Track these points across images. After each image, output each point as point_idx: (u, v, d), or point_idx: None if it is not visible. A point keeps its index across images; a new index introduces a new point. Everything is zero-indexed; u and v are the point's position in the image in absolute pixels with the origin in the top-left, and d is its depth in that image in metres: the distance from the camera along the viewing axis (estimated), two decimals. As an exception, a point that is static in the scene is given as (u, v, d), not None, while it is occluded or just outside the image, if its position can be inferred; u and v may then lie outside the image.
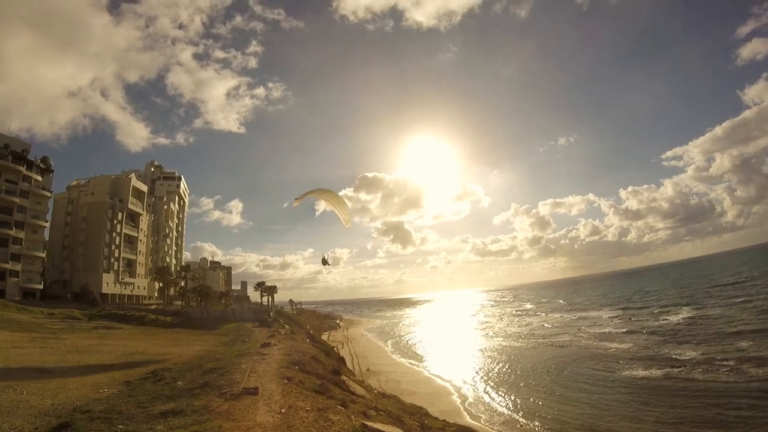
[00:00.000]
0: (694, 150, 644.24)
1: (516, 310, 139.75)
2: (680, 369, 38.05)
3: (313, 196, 25.70)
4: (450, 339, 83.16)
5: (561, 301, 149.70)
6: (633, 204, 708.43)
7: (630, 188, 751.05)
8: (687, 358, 41.85)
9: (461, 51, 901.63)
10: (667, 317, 70.12)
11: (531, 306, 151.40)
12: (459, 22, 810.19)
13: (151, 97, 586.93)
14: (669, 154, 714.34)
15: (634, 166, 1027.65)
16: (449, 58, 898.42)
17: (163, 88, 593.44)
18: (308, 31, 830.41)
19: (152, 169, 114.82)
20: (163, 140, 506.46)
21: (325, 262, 30.28)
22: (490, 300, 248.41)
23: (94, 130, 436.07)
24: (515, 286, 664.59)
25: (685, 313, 70.48)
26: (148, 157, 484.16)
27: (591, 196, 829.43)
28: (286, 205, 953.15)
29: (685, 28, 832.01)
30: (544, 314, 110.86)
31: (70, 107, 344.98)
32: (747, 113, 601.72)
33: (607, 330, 67.65)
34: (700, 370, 36.76)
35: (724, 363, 37.33)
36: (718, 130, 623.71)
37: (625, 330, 64.88)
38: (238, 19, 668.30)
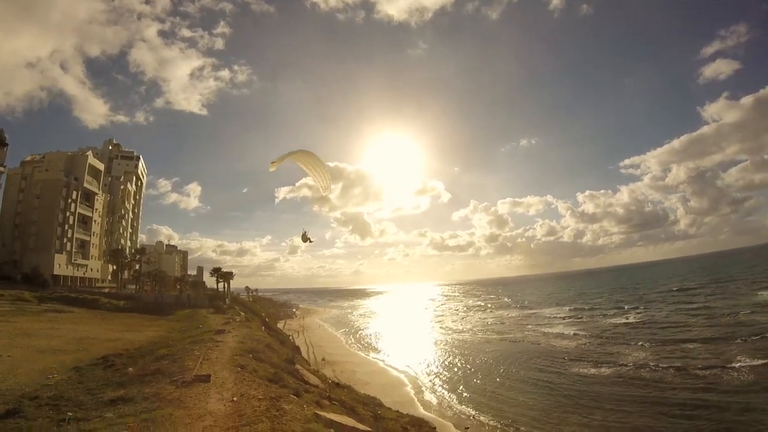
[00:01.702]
0: (651, 160, 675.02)
1: (471, 305, 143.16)
2: (628, 368, 40.21)
3: (291, 159, 23.57)
4: (405, 331, 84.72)
5: (515, 298, 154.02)
6: (589, 207, 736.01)
7: (587, 192, 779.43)
8: (635, 357, 44.16)
9: (430, 48, 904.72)
10: (617, 318, 73.35)
11: (486, 302, 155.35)
12: (430, 19, 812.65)
13: (111, 73, 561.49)
14: (627, 162, 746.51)
15: (593, 171, 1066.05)
16: (418, 54, 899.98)
17: (125, 65, 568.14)
18: (278, 16, 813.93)
19: (110, 148, 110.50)
20: (122, 118, 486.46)
21: (306, 238, 27.79)
22: (446, 294, 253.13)
23: (51, 104, 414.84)
24: (471, 281, 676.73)
25: (634, 315, 74.03)
26: (105, 134, 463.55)
27: (549, 198, 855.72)
28: (245, 190, 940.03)
29: (653, 44, 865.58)
30: (498, 310, 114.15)
31: (27, 79, 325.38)
32: (705, 129, 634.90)
33: (559, 328, 70.26)
34: (647, 369, 38.97)
35: (671, 364, 39.66)
36: (676, 143, 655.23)
37: (576, 328, 67.46)
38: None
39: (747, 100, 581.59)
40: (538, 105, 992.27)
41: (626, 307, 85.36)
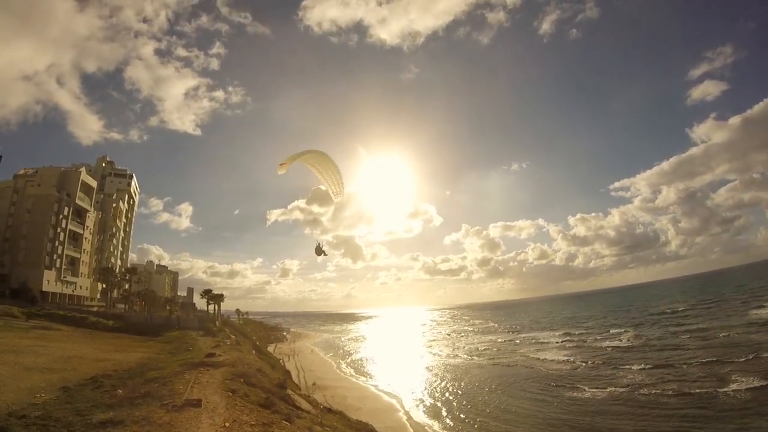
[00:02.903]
0: (641, 182, 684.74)
1: (463, 329, 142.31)
2: (623, 391, 39.95)
3: (302, 161, 21.49)
4: (397, 356, 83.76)
5: (507, 322, 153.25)
6: (581, 230, 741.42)
7: (578, 215, 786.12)
8: (629, 380, 43.88)
9: (422, 72, 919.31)
10: (610, 341, 72.80)
11: (478, 325, 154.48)
12: (422, 44, 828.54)
13: (107, 89, 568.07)
14: (617, 184, 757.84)
15: (583, 194, 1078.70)
16: (410, 79, 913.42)
17: (121, 82, 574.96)
18: (273, 38, 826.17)
19: (103, 165, 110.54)
20: (116, 135, 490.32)
21: (320, 251, 24.71)
22: (438, 318, 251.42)
23: (46, 118, 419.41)
24: (463, 305, 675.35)
25: (627, 338, 73.55)
26: (99, 151, 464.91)
27: (540, 221, 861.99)
28: (237, 211, 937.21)
29: (642, 67, 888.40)
30: (490, 334, 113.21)
31: (23, 91, 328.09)
32: (694, 150, 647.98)
33: (551, 351, 69.65)
34: (642, 392, 38.75)
35: (666, 386, 39.51)
36: (666, 164, 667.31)
37: (569, 352, 67.06)
38: (204, 18, 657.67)
39: (735, 120, 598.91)
40: (529, 129, 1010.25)
41: (619, 330, 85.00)
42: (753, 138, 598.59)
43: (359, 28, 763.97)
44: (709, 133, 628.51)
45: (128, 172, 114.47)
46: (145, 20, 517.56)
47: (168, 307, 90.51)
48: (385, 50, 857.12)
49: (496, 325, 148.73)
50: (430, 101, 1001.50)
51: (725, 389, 35.83)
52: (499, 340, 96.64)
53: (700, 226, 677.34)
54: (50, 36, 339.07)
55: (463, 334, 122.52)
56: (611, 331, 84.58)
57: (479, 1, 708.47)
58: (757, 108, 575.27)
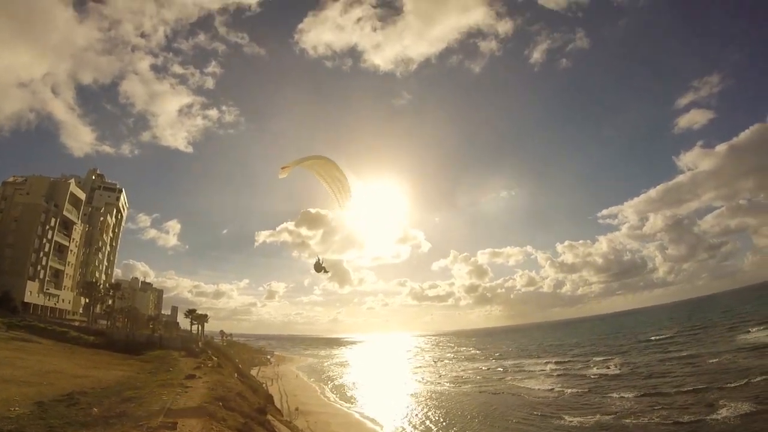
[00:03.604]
0: (628, 209, 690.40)
1: (450, 356, 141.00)
2: (611, 418, 39.75)
3: (306, 167, 20.11)
4: (382, 382, 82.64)
5: (495, 349, 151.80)
6: (569, 258, 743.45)
7: (566, 242, 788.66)
8: (617, 407, 43.61)
9: (414, 99, 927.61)
10: (598, 368, 72.36)
11: (466, 352, 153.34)
12: (415, 70, 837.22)
13: (101, 102, 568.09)
14: (605, 212, 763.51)
15: (571, 222, 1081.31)
16: (402, 105, 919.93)
17: (116, 95, 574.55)
18: (268, 59, 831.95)
19: (93, 177, 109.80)
20: (107, 148, 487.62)
21: (320, 267, 23.11)
22: (425, 345, 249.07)
23: (39, 127, 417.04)
24: (451, 332, 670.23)
25: (615, 364, 73.04)
26: (89, 163, 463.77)
27: (529, 248, 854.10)
28: (225, 231, 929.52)
29: (630, 96, 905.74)
30: (477, 361, 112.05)
31: (18, 98, 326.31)
32: (681, 177, 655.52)
33: (539, 379, 69.10)
34: (631, 419, 38.50)
35: (655, 413, 39.25)
36: (653, 192, 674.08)
37: (556, 379, 66.60)
38: (202, 37, 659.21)
39: (721, 147, 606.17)
40: (518, 157, 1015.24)
41: (606, 357, 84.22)
42: (739, 165, 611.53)
43: (354, 53, 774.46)
44: (695, 160, 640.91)
45: (118, 186, 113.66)
46: (143, 35, 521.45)
47: (151, 326, 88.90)
48: (378, 75, 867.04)
49: (482, 352, 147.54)
50: (421, 127, 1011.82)
51: (714, 416, 35.73)
52: (486, 367, 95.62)
53: (687, 252, 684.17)
54: (49, 44, 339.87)
55: (449, 361, 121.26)
56: (598, 359, 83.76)
57: (472, 30, 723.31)
58: (744, 136, 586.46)
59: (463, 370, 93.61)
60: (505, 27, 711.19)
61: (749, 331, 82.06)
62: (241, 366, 69.34)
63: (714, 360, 60.69)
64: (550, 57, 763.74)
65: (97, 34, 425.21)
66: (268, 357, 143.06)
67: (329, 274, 24.41)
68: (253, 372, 79.66)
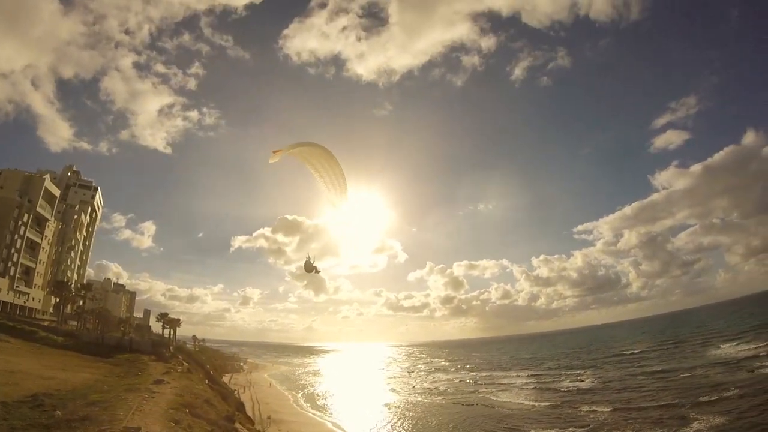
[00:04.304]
0: (604, 226, 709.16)
1: (424, 367, 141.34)
2: (584, 430, 40.56)
3: (297, 153, 18.20)
4: (356, 391, 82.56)
5: (469, 361, 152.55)
6: (544, 271, 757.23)
7: (542, 257, 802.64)
8: (591, 420, 44.35)
9: (396, 109, 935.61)
10: (572, 381, 73.33)
11: (440, 363, 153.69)
12: (397, 81, 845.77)
13: (82, 97, 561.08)
14: (580, 228, 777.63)
15: (547, 236, 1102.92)
16: (383, 115, 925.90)
17: (96, 91, 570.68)
18: (252, 63, 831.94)
19: (69, 174, 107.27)
20: (85, 145, 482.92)
21: (311, 267, 21.04)
22: (399, 355, 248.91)
23: (17, 119, 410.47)
24: (426, 342, 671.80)
25: (588, 378, 74.13)
26: (66, 159, 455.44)
27: (504, 262, 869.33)
28: (201, 234, 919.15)
29: (609, 115, 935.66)
30: (451, 373, 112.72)
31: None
32: (655, 196, 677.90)
33: (513, 391, 69.80)
34: (605, 430, 39.40)
35: (628, 426, 40.10)
36: (628, 209, 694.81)
37: (530, 391, 67.42)
38: (186, 37, 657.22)
39: (696, 168, 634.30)
40: (497, 171, 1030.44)
41: (580, 371, 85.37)
42: (713, 185, 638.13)
43: (337, 61, 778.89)
44: (670, 180, 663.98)
45: (93, 185, 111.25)
46: (127, 32, 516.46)
47: (122, 329, 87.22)
48: (360, 85, 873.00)
49: (456, 363, 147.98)
50: (401, 138, 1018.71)
51: (687, 430, 36.63)
52: (460, 379, 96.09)
53: (660, 268, 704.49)
54: (32, 36, 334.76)
55: (423, 372, 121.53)
56: (572, 372, 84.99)
57: (455, 44, 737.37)
58: (718, 157, 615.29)
59: (436, 382, 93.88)
60: (488, 43, 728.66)
61: (720, 347, 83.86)
62: (213, 372, 68.36)
63: (687, 375, 61.69)
64: (532, 74, 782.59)
65: (81, 28, 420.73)
66: (241, 364, 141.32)
67: (320, 273, 22.41)
68: (226, 379, 78.65)
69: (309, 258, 21.11)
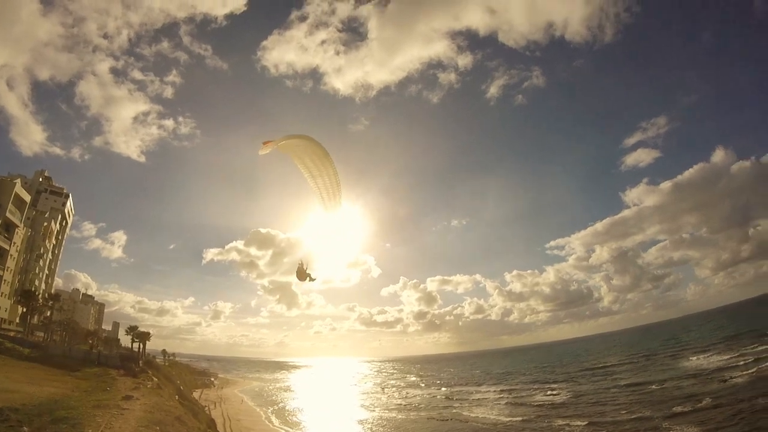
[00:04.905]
0: (576, 241, 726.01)
1: (398, 382, 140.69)
2: None
3: (288, 151, 16.46)
4: (329, 407, 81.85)
5: (443, 376, 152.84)
6: (517, 287, 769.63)
7: (515, 272, 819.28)
8: None
9: (372, 124, 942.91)
10: (545, 395, 73.81)
11: (413, 379, 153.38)
12: (374, 97, 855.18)
13: (56, 101, 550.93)
14: (553, 243, 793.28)
15: (520, 252, 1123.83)
16: (359, 130, 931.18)
17: (71, 96, 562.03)
18: (230, 74, 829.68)
19: (40, 179, 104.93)
20: (57, 150, 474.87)
21: (305, 274, 18.91)
22: (372, 370, 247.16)
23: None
24: (399, 358, 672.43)
25: (562, 391, 74.53)
26: (38, 163, 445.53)
27: (478, 277, 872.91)
28: (172, 246, 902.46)
29: (581, 133, 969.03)
30: (426, 387, 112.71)
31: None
32: (626, 212, 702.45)
33: (487, 405, 70.13)
34: None
35: None
36: (599, 225, 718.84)
37: (504, 406, 67.71)
38: (165, 44, 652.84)
39: (665, 185, 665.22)
40: (471, 187, 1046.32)
41: (553, 385, 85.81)
42: (682, 202, 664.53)
43: (315, 75, 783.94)
44: (641, 196, 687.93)
45: (65, 191, 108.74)
46: (106, 36, 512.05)
47: (90, 341, 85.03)
48: (337, 99, 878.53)
49: (429, 378, 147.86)
50: (377, 153, 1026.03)
51: None
52: (433, 394, 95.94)
53: (631, 283, 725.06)
54: (9, 35, 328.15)
55: (397, 388, 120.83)
56: (545, 386, 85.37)
57: (433, 61, 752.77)
58: (687, 174, 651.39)
59: (410, 397, 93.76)
60: (464, 61, 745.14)
61: (690, 359, 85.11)
62: (183, 388, 67.11)
63: (659, 387, 62.05)
64: (507, 92, 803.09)
65: (59, 30, 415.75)
66: (212, 379, 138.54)
67: (315, 281, 19.62)
68: (196, 395, 77.22)
69: (302, 264, 19.03)
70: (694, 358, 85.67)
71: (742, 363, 65.84)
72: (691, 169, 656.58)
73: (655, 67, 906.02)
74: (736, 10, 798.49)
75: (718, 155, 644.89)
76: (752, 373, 56.90)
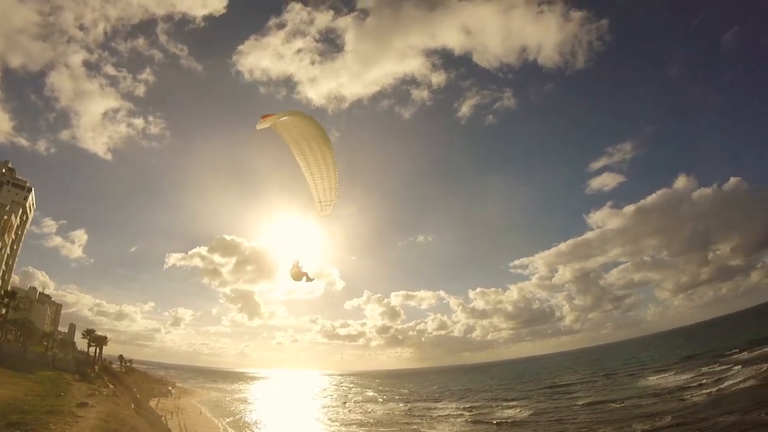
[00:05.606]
0: (539, 261, 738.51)
1: (359, 397, 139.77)
2: None
3: (283, 132, 15.08)
4: (288, 421, 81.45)
5: (405, 390, 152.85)
6: (480, 304, 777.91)
7: (479, 289, 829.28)
8: None
9: (343, 137, 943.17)
10: (507, 411, 74.25)
11: (374, 393, 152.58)
12: (346, 109, 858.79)
13: (26, 90, 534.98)
14: (516, 262, 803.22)
15: (484, 270, 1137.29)
16: (331, 141, 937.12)
17: (42, 86, 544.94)
18: (204, 76, 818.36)
19: (3, 171, 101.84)
20: (23, 141, 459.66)
21: (300, 275, 17.70)
22: (334, 384, 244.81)
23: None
24: (361, 372, 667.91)
25: (523, 409, 74.76)
26: (2, 154, 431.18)
27: (442, 293, 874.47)
28: (134, 248, 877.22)
29: (548, 156, 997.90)
30: (387, 403, 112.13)
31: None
32: (590, 234, 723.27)
33: (449, 421, 70.40)
34: None
35: None
36: (563, 246, 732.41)
37: (464, 422, 68.17)
38: (141, 41, 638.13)
39: (629, 209, 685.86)
40: (438, 204, 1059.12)
41: (514, 402, 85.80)
42: (645, 225, 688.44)
43: (289, 83, 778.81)
44: (604, 219, 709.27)
45: (28, 185, 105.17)
46: (81, 27, 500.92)
47: (45, 343, 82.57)
48: (310, 109, 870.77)
49: (391, 393, 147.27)
50: (346, 166, 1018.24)
51: None
52: (396, 408, 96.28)
53: (593, 303, 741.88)
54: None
55: (357, 402, 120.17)
56: (507, 403, 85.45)
57: (407, 77, 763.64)
58: (650, 199, 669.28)
59: (371, 412, 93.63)
60: (438, 78, 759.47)
61: (649, 378, 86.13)
62: (139, 396, 65.88)
63: (620, 405, 62.45)
64: (478, 112, 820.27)
65: (35, 17, 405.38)
66: (170, 388, 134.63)
67: (312, 281, 18.24)
68: (152, 403, 75.47)
69: (297, 264, 17.61)
70: (654, 377, 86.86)
71: (701, 382, 67.40)
72: (654, 195, 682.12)
73: (623, 95, 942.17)
74: (703, 43, 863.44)
75: (681, 182, 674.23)
76: (711, 392, 58.19)
